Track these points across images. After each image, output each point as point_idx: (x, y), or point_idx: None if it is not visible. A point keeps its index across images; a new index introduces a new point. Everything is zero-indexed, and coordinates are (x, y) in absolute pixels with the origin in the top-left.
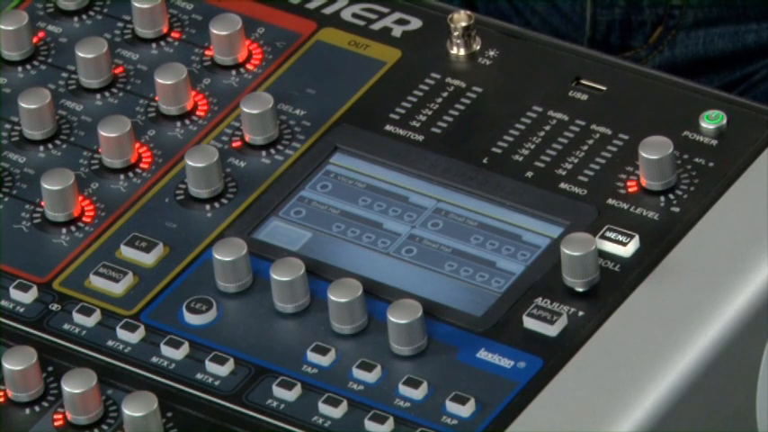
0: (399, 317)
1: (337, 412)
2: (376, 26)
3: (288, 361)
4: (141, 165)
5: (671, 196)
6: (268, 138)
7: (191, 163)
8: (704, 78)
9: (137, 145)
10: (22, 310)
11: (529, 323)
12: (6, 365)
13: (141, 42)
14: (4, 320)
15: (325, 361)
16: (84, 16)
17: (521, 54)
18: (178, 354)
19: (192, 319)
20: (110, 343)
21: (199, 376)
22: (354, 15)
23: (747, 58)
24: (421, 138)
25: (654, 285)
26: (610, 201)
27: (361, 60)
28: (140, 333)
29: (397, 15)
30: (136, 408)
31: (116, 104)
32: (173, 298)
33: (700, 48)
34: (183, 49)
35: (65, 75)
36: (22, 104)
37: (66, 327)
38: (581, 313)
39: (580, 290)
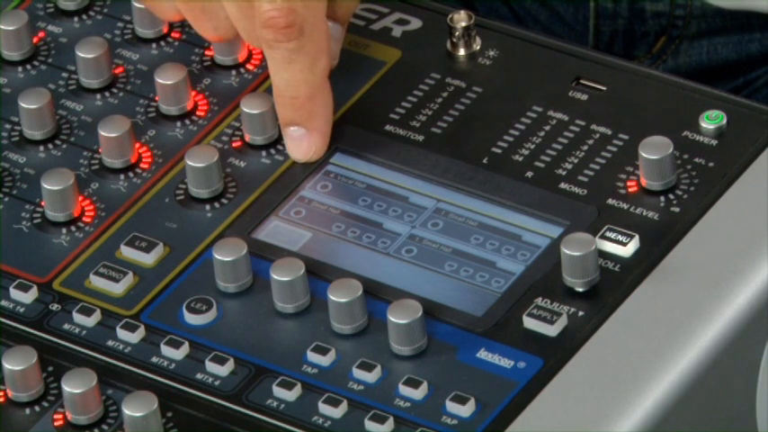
0: (399, 317)
1: (337, 412)
2: (376, 26)
3: (288, 361)
4: (141, 165)
5: (671, 196)
6: (268, 138)
7: (191, 163)
8: (707, 85)
9: (137, 145)
10: (22, 310)
11: (529, 323)
12: (6, 365)
13: (141, 42)
14: (4, 320)
15: (325, 361)
16: (84, 16)
17: (521, 54)
18: (178, 354)
19: (191, 319)
20: (110, 343)
21: (199, 376)
22: (354, 15)
23: (750, 66)
24: (421, 138)
25: (654, 285)
26: (610, 201)
27: (361, 60)
28: (140, 333)
29: (397, 15)
30: (136, 408)
31: (116, 104)
32: (173, 298)
33: (703, 57)
34: (183, 49)
35: (65, 75)
36: (22, 104)
37: (66, 327)
38: (581, 313)
39: (580, 290)
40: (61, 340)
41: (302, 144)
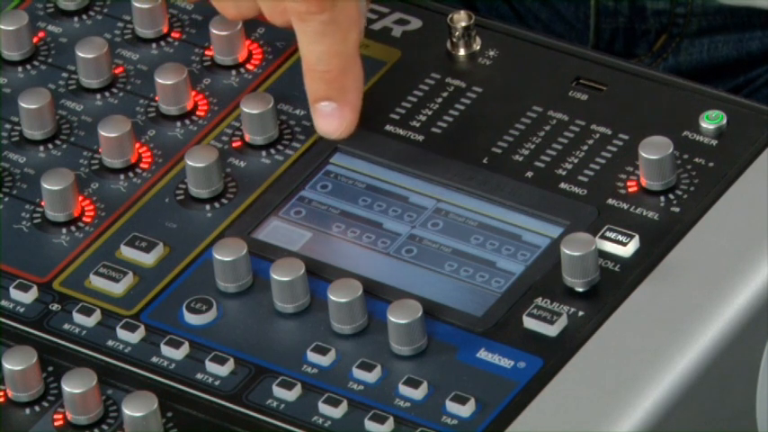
0: (399, 317)
1: (337, 412)
2: (376, 26)
3: (288, 361)
4: (141, 165)
5: (671, 196)
6: (268, 138)
7: (191, 163)
8: (707, 84)
9: (137, 145)
10: (22, 310)
11: (529, 323)
12: (6, 365)
13: (141, 42)
14: (4, 320)
15: (325, 361)
16: (84, 16)
17: (521, 54)
18: (178, 354)
19: (191, 319)
20: (110, 343)
21: (199, 376)
22: None
23: (751, 64)
24: (421, 138)
25: (654, 285)
26: (610, 201)
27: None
28: (140, 333)
29: (397, 15)
30: (136, 408)
31: (116, 104)
32: (173, 298)
33: (704, 55)
34: (183, 49)
35: (65, 75)
36: (22, 104)
37: (66, 327)
38: (581, 313)
39: (580, 290)
40: (61, 340)
41: (333, 120)
